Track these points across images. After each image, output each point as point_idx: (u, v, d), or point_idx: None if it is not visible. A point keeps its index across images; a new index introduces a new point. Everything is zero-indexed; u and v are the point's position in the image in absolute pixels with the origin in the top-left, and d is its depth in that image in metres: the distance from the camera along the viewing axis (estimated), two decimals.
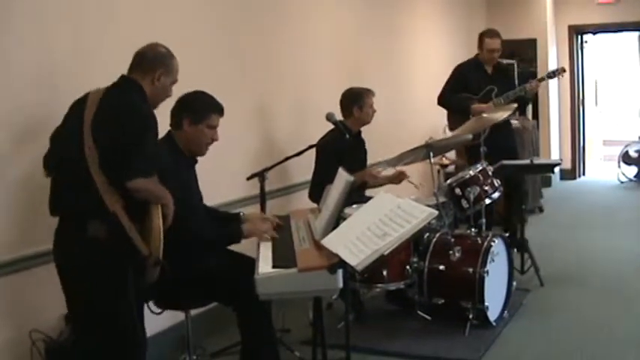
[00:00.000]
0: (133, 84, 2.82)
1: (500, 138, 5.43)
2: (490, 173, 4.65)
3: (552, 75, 5.73)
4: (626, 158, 9.98)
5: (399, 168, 4.83)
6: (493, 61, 5.70)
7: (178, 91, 3.26)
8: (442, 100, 5.84)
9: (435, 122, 7.35)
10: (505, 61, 8.36)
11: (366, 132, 4.88)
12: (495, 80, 5.63)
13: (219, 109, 3.31)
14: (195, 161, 3.39)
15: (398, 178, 4.85)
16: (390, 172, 4.86)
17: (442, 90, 5.83)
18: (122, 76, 2.85)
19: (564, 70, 5.82)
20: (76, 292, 2.77)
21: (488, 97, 5.54)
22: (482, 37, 5.70)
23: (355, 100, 4.68)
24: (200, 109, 3.26)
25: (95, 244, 2.64)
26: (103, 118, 2.67)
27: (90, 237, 2.64)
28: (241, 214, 3.54)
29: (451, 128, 5.63)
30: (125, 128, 2.64)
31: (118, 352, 2.75)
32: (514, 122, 7.31)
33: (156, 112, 3.29)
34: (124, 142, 2.61)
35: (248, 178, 4.01)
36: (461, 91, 5.64)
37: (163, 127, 3.30)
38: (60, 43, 3.29)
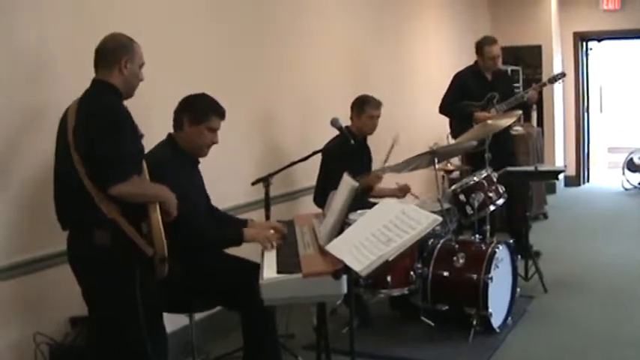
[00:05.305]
0: (102, 86, 2.75)
1: (501, 144, 5.44)
2: (495, 180, 4.65)
3: (554, 80, 5.75)
4: (630, 165, 9.96)
5: (401, 183, 4.87)
6: (495, 67, 5.71)
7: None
8: (443, 109, 5.84)
9: (440, 128, 7.35)
10: (510, 68, 8.37)
11: (371, 138, 4.88)
12: (495, 86, 5.63)
13: (220, 112, 3.30)
14: (198, 161, 3.40)
15: (402, 191, 4.89)
16: (393, 186, 4.90)
17: (443, 99, 5.82)
18: (92, 81, 2.79)
19: (564, 75, 5.83)
20: (86, 299, 2.81)
21: (489, 104, 5.55)
22: (481, 45, 5.69)
23: (355, 106, 4.72)
24: (201, 111, 3.26)
25: (102, 251, 2.66)
26: (80, 129, 2.64)
27: (96, 245, 2.66)
28: (249, 220, 3.55)
29: (454, 136, 5.63)
30: (96, 135, 2.60)
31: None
32: (518, 129, 7.31)
33: (158, 113, 3.32)
34: (97, 149, 2.59)
35: (253, 183, 4.01)
36: (461, 99, 5.63)
37: (167, 127, 3.34)
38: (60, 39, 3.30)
